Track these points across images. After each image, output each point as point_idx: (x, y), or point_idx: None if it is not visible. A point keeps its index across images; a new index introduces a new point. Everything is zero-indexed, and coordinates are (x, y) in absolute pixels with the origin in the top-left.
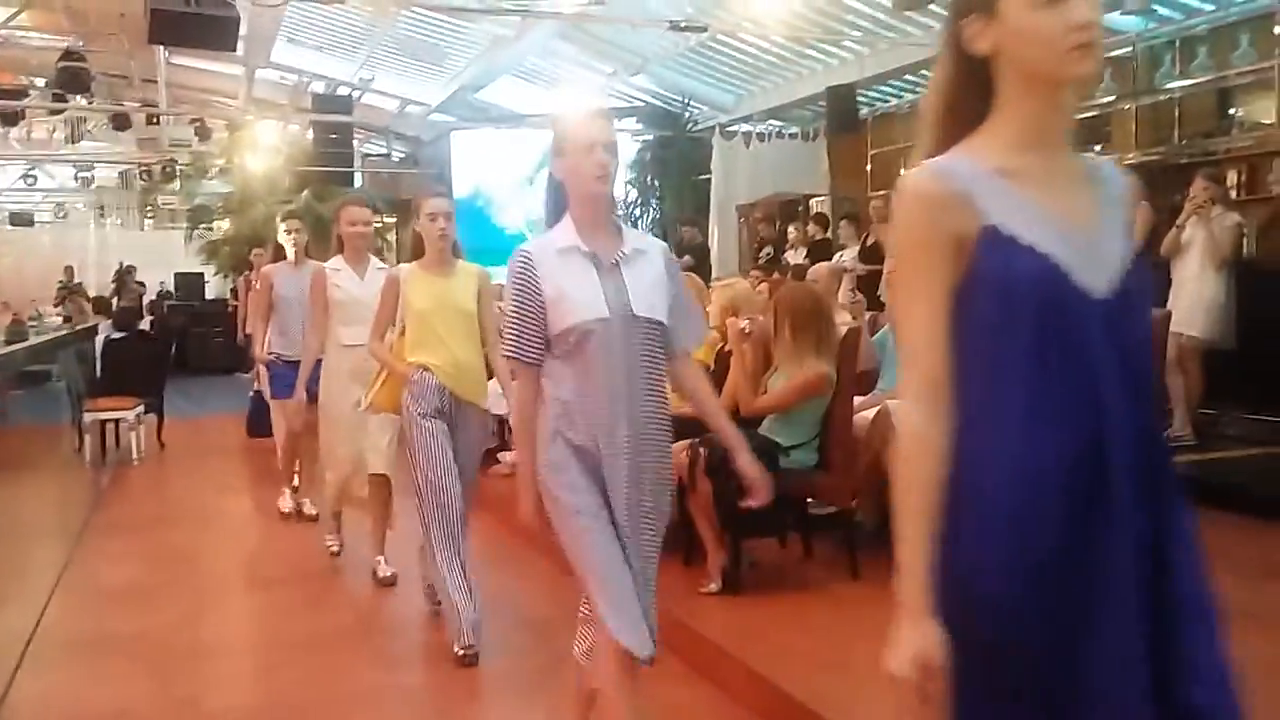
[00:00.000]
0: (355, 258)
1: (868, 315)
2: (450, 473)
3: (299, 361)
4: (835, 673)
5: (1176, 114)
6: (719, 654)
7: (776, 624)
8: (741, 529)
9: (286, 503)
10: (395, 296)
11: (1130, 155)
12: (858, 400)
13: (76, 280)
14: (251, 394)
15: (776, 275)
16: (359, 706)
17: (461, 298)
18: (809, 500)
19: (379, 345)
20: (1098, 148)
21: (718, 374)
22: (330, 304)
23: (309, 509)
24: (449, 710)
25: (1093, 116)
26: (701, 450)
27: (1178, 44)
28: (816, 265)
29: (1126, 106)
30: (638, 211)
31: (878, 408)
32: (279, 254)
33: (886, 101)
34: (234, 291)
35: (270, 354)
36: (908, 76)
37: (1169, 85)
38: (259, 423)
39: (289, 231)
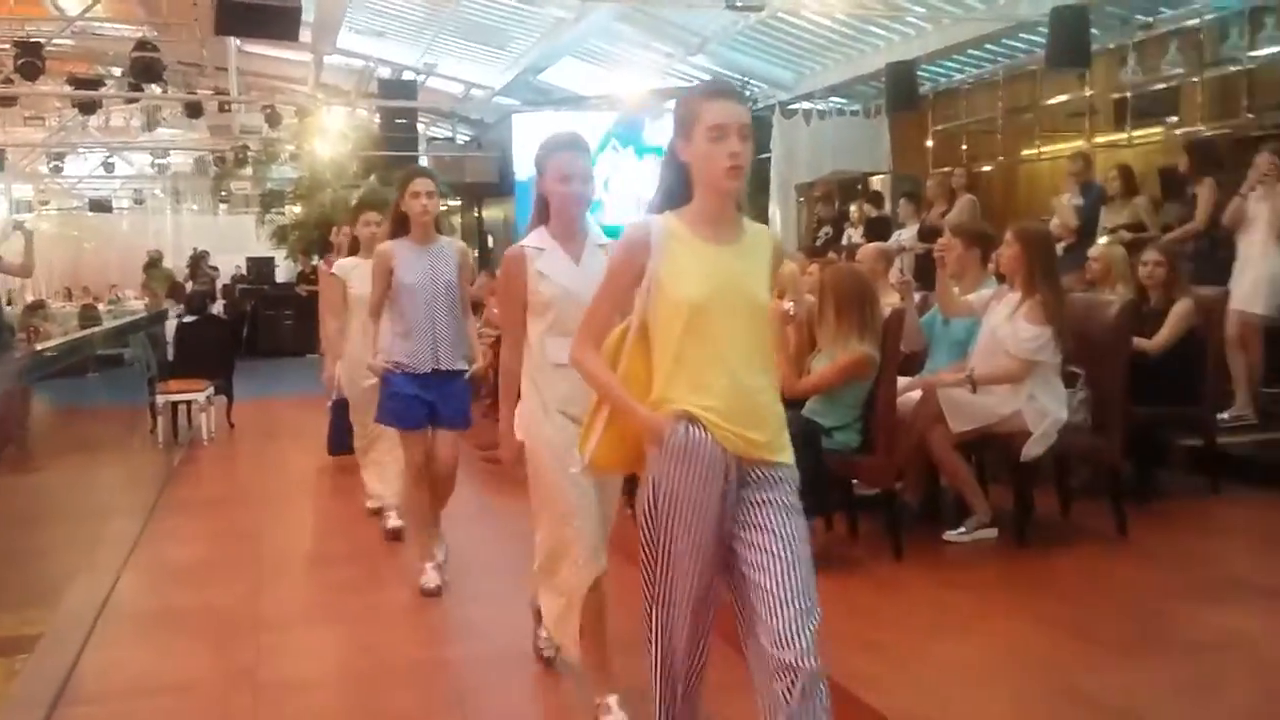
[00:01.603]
0: (565, 233)
1: (918, 296)
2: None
3: (425, 374)
4: (875, 654)
5: (1246, 86)
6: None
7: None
8: None
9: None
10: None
11: (1198, 129)
12: (903, 381)
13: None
14: (331, 404)
15: (831, 255)
16: (411, 680)
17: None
18: (854, 481)
19: (592, 359)
20: (1171, 119)
21: None
22: (534, 304)
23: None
24: (499, 685)
25: (1159, 90)
26: None
27: (1246, 15)
28: (865, 246)
29: (1195, 79)
30: None
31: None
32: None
33: (949, 78)
34: (303, 275)
35: (390, 362)
36: (970, 52)
37: (1238, 57)
38: (340, 439)
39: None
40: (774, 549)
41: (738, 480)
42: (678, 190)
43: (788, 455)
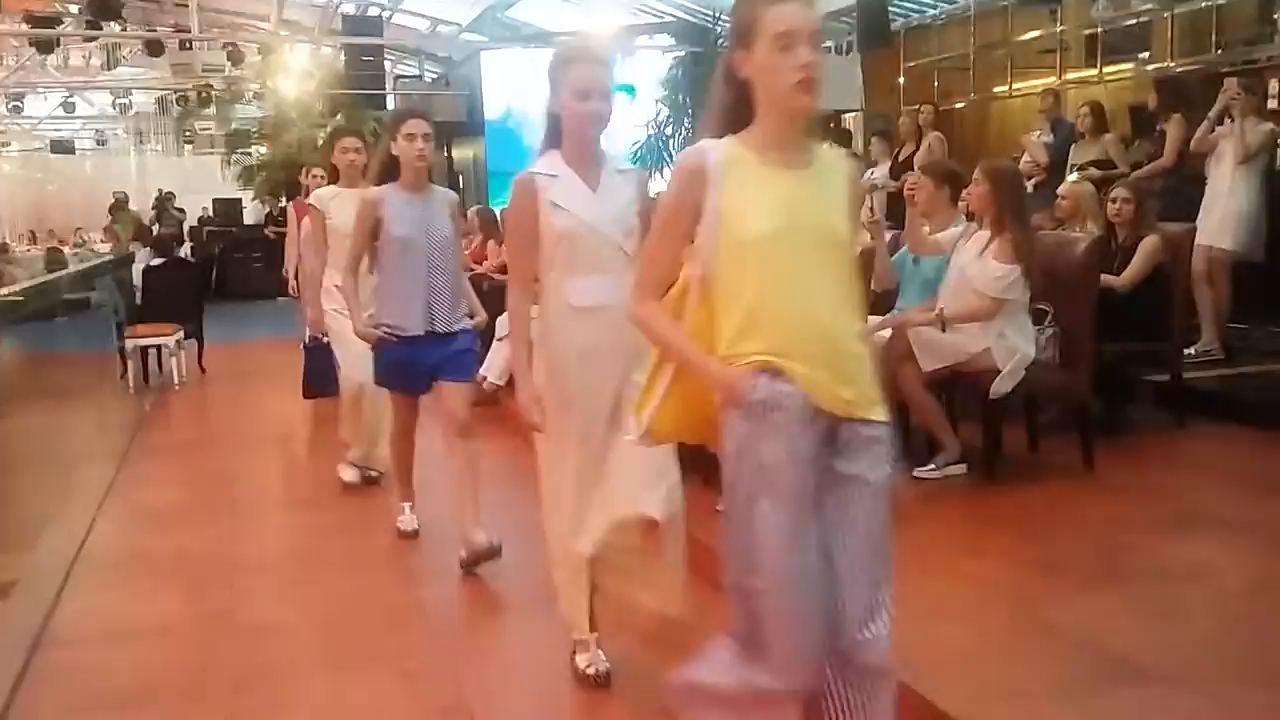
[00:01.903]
0: (581, 157)
1: (889, 235)
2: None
3: (419, 337)
4: None
5: (1214, 22)
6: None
7: None
8: None
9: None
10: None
11: (1169, 65)
12: (874, 319)
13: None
14: (305, 345)
15: None
16: (388, 621)
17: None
18: None
19: (652, 312)
20: (1143, 55)
21: None
22: (548, 239)
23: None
24: (476, 624)
25: (1130, 25)
26: None
27: None
28: None
29: (1165, 15)
30: (669, 130)
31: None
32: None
33: (921, 14)
34: (271, 216)
35: (381, 326)
36: None
37: None
38: (317, 382)
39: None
40: (851, 545)
41: (830, 442)
42: (738, 110)
43: (881, 411)
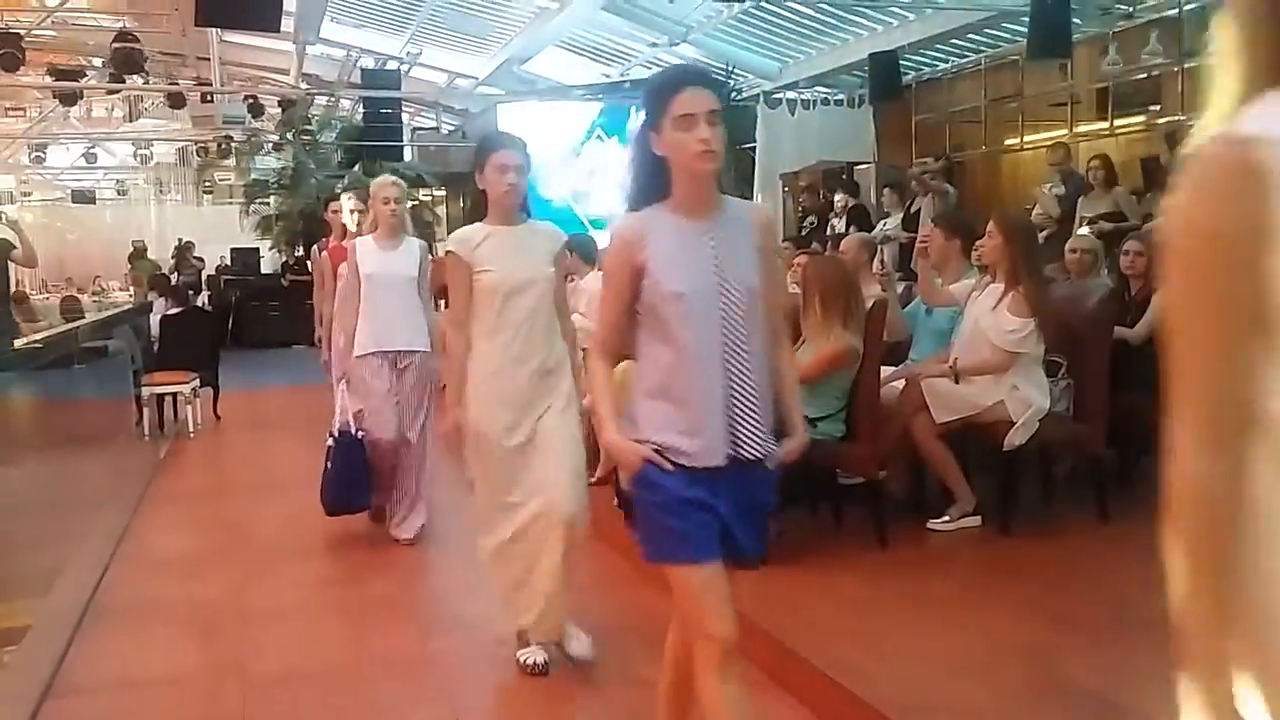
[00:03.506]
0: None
1: (901, 286)
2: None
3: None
4: (859, 643)
5: None
6: (746, 624)
7: (803, 593)
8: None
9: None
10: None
11: (1179, 118)
12: (888, 371)
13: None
14: (333, 437)
15: (815, 245)
16: (399, 672)
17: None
18: (838, 470)
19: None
20: (1154, 108)
21: None
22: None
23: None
24: (487, 676)
25: (1140, 79)
26: None
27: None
28: (848, 237)
29: (1175, 69)
30: None
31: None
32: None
33: (932, 67)
34: (288, 265)
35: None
36: (953, 41)
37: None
38: (347, 487)
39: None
40: None
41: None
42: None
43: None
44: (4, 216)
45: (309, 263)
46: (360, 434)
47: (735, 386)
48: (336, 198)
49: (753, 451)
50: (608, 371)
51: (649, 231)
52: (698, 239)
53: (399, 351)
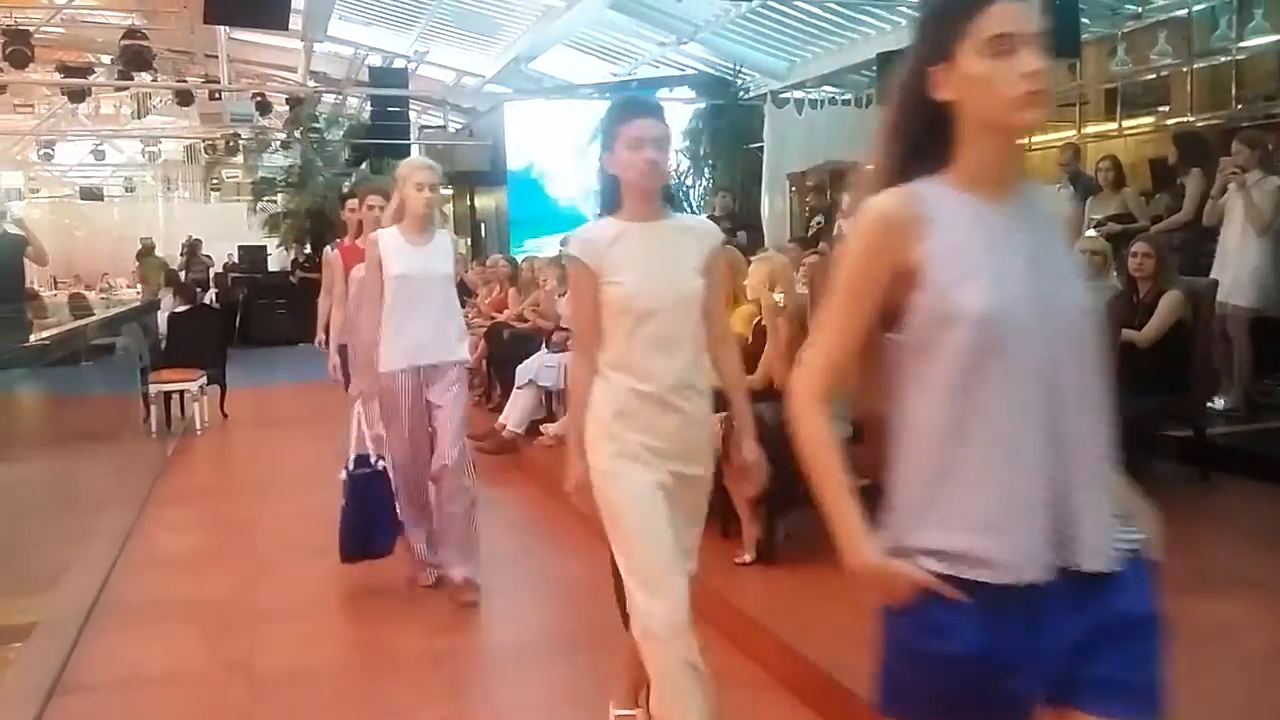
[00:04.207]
0: None
1: None
2: None
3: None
4: (862, 643)
5: (1234, 77)
6: (751, 625)
7: (808, 595)
8: (776, 501)
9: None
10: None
11: (1188, 119)
12: None
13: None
14: (348, 471)
15: (823, 245)
16: (405, 671)
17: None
18: None
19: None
20: (1163, 109)
21: (755, 347)
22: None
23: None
24: (493, 674)
25: (1149, 80)
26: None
27: (1235, 5)
28: None
29: (1184, 69)
30: (689, 181)
31: None
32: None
33: None
34: (296, 263)
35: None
36: None
37: (1227, 47)
38: (365, 528)
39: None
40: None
41: None
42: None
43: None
44: (11, 215)
45: (319, 260)
46: (381, 464)
47: (1065, 462)
48: (352, 195)
49: (1096, 560)
50: (825, 426)
51: (933, 215)
52: (1007, 235)
53: (436, 365)
